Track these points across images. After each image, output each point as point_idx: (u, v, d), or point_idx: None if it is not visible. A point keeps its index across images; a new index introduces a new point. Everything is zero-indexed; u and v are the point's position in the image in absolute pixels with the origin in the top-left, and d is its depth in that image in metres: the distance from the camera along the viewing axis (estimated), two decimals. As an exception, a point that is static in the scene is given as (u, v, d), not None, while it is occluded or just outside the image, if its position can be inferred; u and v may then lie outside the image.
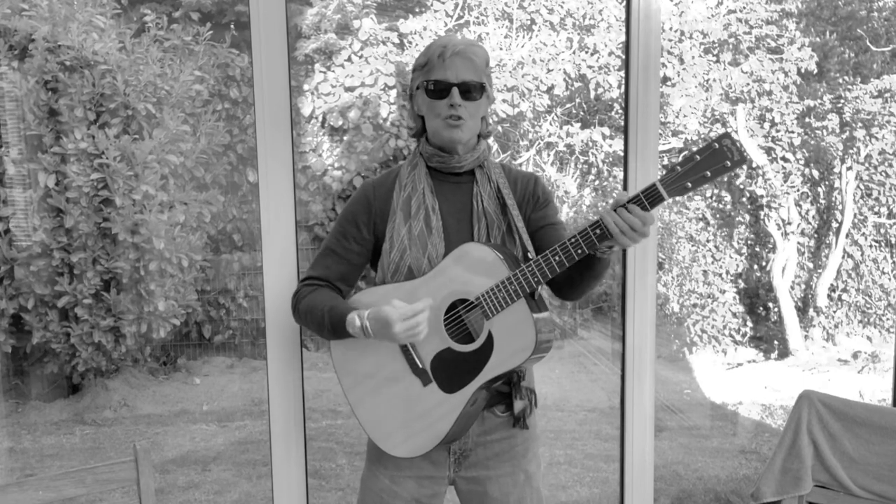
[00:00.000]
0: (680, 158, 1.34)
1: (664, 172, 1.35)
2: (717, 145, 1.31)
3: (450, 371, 1.51)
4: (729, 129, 6.15)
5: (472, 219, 1.59)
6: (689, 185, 1.33)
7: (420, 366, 1.53)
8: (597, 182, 6.65)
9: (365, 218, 1.62)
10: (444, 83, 1.52)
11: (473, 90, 1.53)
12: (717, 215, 6.43)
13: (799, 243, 6.27)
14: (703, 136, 6.21)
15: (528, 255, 1.55)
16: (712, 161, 1.31)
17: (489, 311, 1.46)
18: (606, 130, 6.32)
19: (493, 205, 1.59)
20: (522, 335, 1.44)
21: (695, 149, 1.36)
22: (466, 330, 1.52)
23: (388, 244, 1.59)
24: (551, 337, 1.49)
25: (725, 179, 6.29)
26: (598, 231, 1.39)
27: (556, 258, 1.42)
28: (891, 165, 6.16)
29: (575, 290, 1.57)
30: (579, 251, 1.41)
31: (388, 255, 1.58)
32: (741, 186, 6.26)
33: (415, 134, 1.65)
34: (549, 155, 6.49)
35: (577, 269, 1.50)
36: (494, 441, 1.62)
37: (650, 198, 1.35)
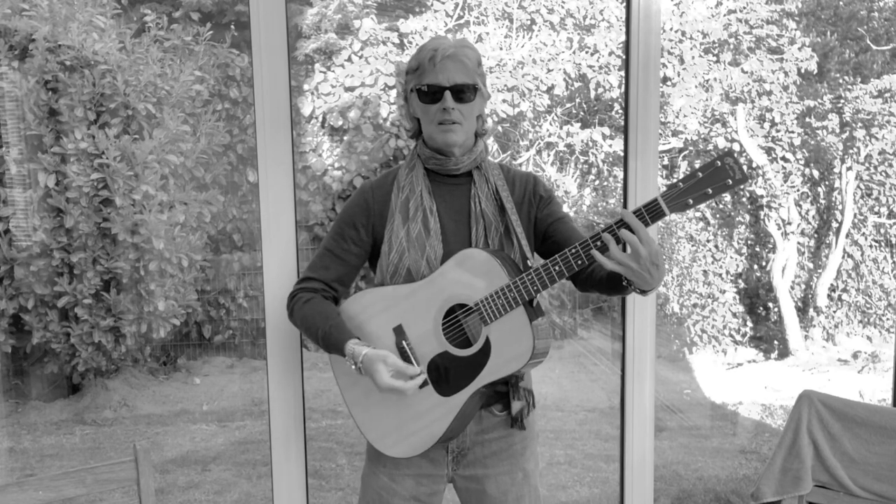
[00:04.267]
0: (682, 175, 1.35)
1: (666, 188, 1.35)
2: (719, 163, 1.32)
3: (446, 374, 1.51)
4: (728, 129, 6.15)
5: (469, 220, 1.59)
6: (691, 201, 1.34)
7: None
8: (597, 182, 6.64)
9: (363, 220, 1.63)
10: (436, 87, 1.52)
11: (466, 92, 1.53)
12: (717, 215, 6.42)
13: (799, 243, 6.27)
14: (702, 135, 6.21)
15: (526, 256, 1.56)
16: (714, 178, 1.32)
17: (487, 316, 1.47)
18: (606, 130, 6.31)
19: (491, 206, 1.59)
20: (520, 342, 1.45)
21: (697, 165, 1.37)
22: (464, 334, 1.53)
23: (386, 246, 1.59)
24: (548, 343, 1.50)
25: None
26: (598, 242, 1.40)
27: (557, 268, 1.43)
28: (891, 165, 6.15)
29: (593, 291, 1.59)
30: (579, 262, 1.42)
31: (387, 257, 1.59)
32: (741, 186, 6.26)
33: (412, 135, 1.66)
34: (549, 155, 6.49)
35: (605, 283, 1.52)
36: (492, 440, 1.62)
37: (651, 212, 1.36)
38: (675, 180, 1.34)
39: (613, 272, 1.44)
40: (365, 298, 1.60)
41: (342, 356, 1.54)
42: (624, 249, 1.40)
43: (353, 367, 1.51)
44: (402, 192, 1.61)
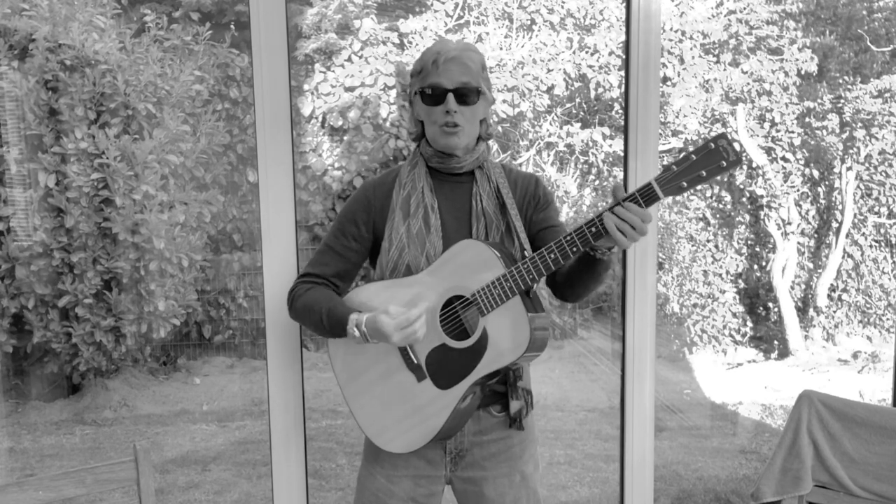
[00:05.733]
0: (676, 158, 1.35)
1: (660, 171, 1.35)
2: (713, 145, 1.31)
3: (444, 367, 1.52)
4: (728, 129, 6.15)
5: (470, 218, 1.59)
6: (685, 184, 1.33)
7: (415, 361, 1.53)
8: (597, 182, 6.64)
9: (364, 216, 1.63)
10: (439, 89, 1.52)
11: (469, 95, 1.53)
12: (717, 215, 6.42)
13: (799, 243, 6.27)
14: (702, 135, 6.21)
15: (526, 254, 1.56)
16: (708, 161, 1.32)
17: (484, 307, 1.47)
18: (606, 130, 6.31)
19: (493, 205, 1.60)
20: (517, 332, 1.45)
21: (691, 148, 1.37)
22: (462, 326, 1.53)
23: (387, 242, 1.60)
24: (546, 335, 1.50)
25: (725, 179, 6.29)
26: (593, 229, 1.39)
27: (552, 256, 1.42)
28: (891, 165, 6.15)
29: (574, 290, 1.57)
30: (574, 249, 1.41)
31: (387, 254, 1.59)
32: (741, 186, 6.26)
33: (415, 138, 1.66)
34: (549, 155, 6.49)
35: (576, 270, 1.50)
36: (491, 441, 1.62)
37: (646, 196, 1.35)
38: (668, 163, 1.34)
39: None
40: (365, 291, 1.60)
41: (345, 334, 1.53)
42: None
43: (357, 333, 1.51)
44: (403, 189, 1.61)
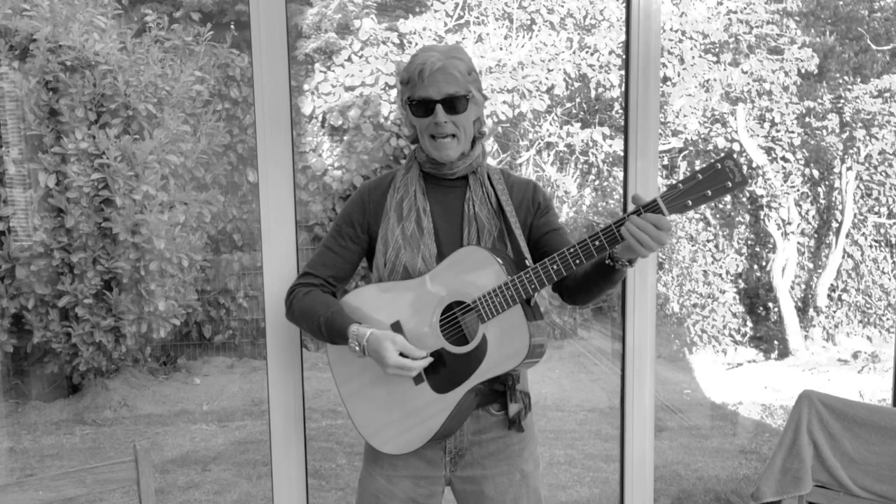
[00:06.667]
0: (682, 176, 1.36)
1: (666, 189, 1.36)
2: (719, 165, 1.32)
3: (442, 371, 1.52)
4: (728, 129, 6.15)
5: (462, 222, 1.60)
6: (690, 202, 1.35)
7: None
8: (597, 182, 6.64)
9: (359, 217, 1.65)
10: (427, 100, 1.52)
11: (458, 103, 1.53)
12: (717, 215, 6.42)
13: (799, 243, 6.27)
14: (702, 135, 6.21)
15: (524, 257, 1.57)
16: (714, 181, 1.33)
17: (485, 314, 1.48)
18: (606, 130, 6.31)
19: (485, 210, 1.60)
20: (516, 340, 1.46)
21: (698, 167, 1.38)
22: (461, 332, 1.53)
23: (382, 244, 1.61)
24: (544, 342, 1.51)
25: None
26: (597, 242, 1.40)
27: (555, 267, 1.43)
28: (891, 165, 6.15)
29: (589, 295, 1.58)
30: (577, 261, 1.42)
31: (384, 255, 1.60)
32: (741, 186, 6.26)
33: (412, 140, 1.67)
34: (549, 155, 6.49)
35: (593, 278, 1.51)
36: (489, 440, 1.62)
37: (651, 212, 1.37)
38: (674, 181, 1.35)
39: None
40: (365, 293, 1.61)
41: (344, 342, 1.54)
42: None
43: (357, 348, 1.51)
44: (397, 192, 1.63)
